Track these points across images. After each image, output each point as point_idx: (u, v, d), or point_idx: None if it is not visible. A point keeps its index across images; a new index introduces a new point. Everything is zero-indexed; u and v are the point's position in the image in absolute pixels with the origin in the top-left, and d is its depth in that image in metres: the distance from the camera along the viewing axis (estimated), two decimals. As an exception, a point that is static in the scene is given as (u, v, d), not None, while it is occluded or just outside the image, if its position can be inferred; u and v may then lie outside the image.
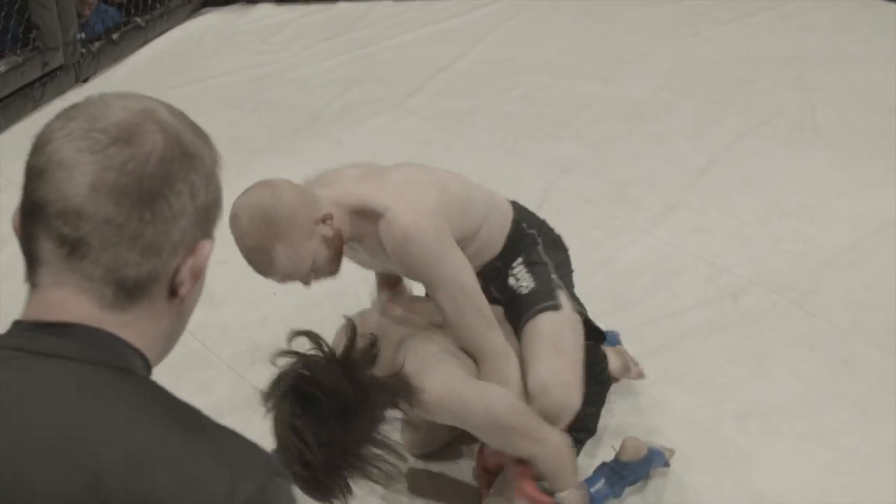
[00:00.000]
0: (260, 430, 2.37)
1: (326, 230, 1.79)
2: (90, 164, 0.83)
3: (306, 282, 1.83)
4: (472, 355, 1.90)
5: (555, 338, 1.92)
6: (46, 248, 0.84)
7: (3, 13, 3.82)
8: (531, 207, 2.25)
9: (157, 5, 4.65)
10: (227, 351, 2.62)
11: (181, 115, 0.90)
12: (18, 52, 3.86)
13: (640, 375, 2.40)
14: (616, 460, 2.12)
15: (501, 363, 1.89)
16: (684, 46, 4.60)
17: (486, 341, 1.86)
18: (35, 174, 0.84)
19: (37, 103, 3.92)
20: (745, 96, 4.06)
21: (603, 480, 2.09)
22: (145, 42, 4.55)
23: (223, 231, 3.41)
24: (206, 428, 0.86)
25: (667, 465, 2.21)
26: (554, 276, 1.99)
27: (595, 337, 2.12)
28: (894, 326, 2.68)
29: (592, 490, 2.07)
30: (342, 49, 4.57)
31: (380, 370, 1.85)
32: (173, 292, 0.89)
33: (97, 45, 4.23)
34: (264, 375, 2.53)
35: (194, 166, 0.87)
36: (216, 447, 0.84)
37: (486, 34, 4.73)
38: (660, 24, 4.84)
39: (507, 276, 2.01)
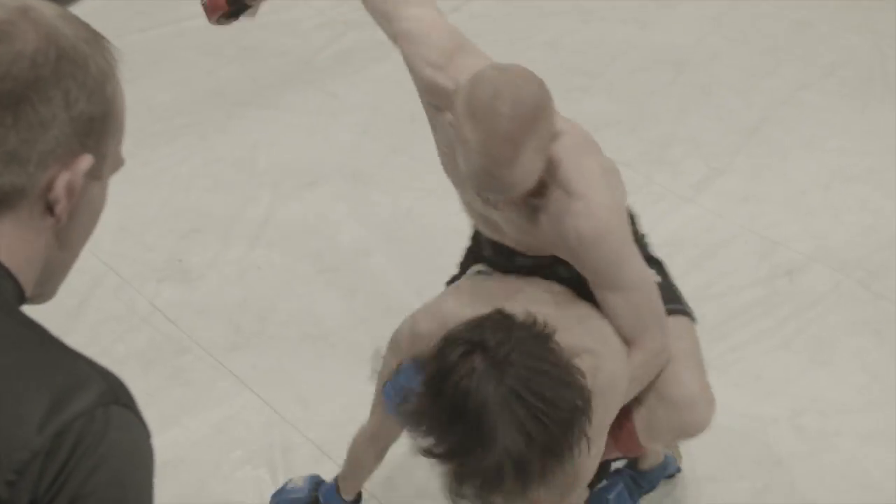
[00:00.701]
0: (243, 422, 2.41)
1: (552, 151, 1.71)
2: None
3: (501, 201, 1.72)
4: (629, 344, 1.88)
5: (694, 348, 1.94)
6: None
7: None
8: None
9: (124, -66, 4.60)
10: (203, 334, 2.63)
11: (71, 18, 0.94)
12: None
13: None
14: (635, 469, 2.17)
15: (660, 362, 1.90)
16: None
17: (657, 343, 1.86)
18: None
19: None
20: (804, 42, 4.01)
21: (622, 486, 2.14)
22: (110, -23, 4.51)
23: (196, 197, 3.39)
24: (48, 350, 0.89)
25: (679, 470, 2.24)
26: (672, 281, 2.02)
27: None
28: (976, 311, 2.67)
29: (610, 497, 2.11)
30: (338, -14, 4.54)
31: None
32: (50, 210, 0.93)
33: (55, -20, 4.21)
34: (245, 362, 2.58)
35: (72, 73, 0.91)
36: (48, 369, 0.87)
37: (504, -31, 4.68)
38: (706, -41, 4.79)
39: None
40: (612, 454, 2.00)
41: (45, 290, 1.00)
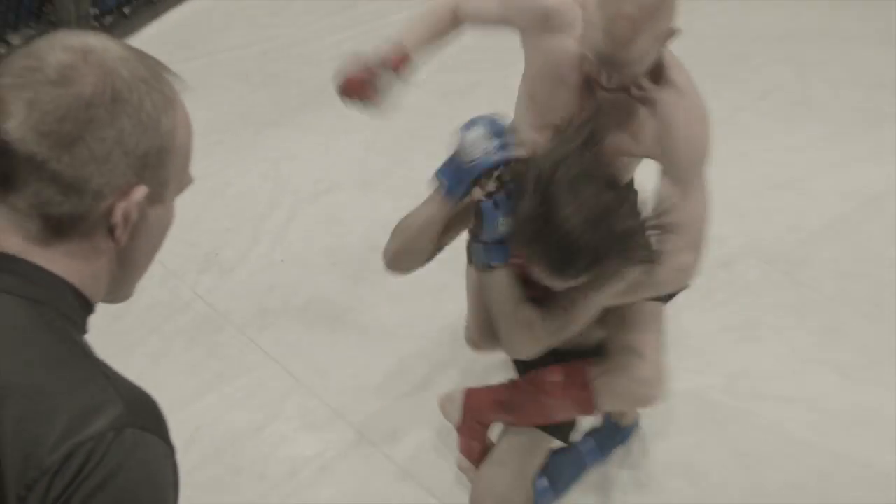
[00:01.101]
0: (269, 389, 2.46)
1: (666, 46, 1.69)
2: (19, 103, 0.84)
3: (620, 78, 1.67)
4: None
5: (660, 334, 1.93)
6: None
7: (17, -13, 3.84)
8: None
9: (167, -20, 4.64)
10: (236, 316, 2.67)
11: (130, 57, 0.89)
12: (32, 25, 3.88)
13: None
14: (614, 426, 2.18)
15: (679, 281, 1.85)
16: (683, 21, 4.57)
17: (689, 260, 1.79)
18: None
19: (51, 76, 3.93)
20: (741, 71, 4.05)
21: (594, 442, 2.15)
22: (156, 16, 4.55)
23: (230, 201, 3.40)
24: (78, 370, 0.84)
25: (638, 426, 2.27)
26: None
27: None
28: (879, 296, 2.73)
29: (584, 450, 2.13)
30: (349, 24, 4.56)
31: None
32: (111, 233, 0.89)
33: (109, 19, 4.24)
34: (272, 339, 2.62)
35: (126, 112, 0.86)
36: (73, 391, 0.82)
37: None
38: (660, 0, 4.81)
39: None
40: (569, 414, 1.98)
41: (117, 297, 0.96)
